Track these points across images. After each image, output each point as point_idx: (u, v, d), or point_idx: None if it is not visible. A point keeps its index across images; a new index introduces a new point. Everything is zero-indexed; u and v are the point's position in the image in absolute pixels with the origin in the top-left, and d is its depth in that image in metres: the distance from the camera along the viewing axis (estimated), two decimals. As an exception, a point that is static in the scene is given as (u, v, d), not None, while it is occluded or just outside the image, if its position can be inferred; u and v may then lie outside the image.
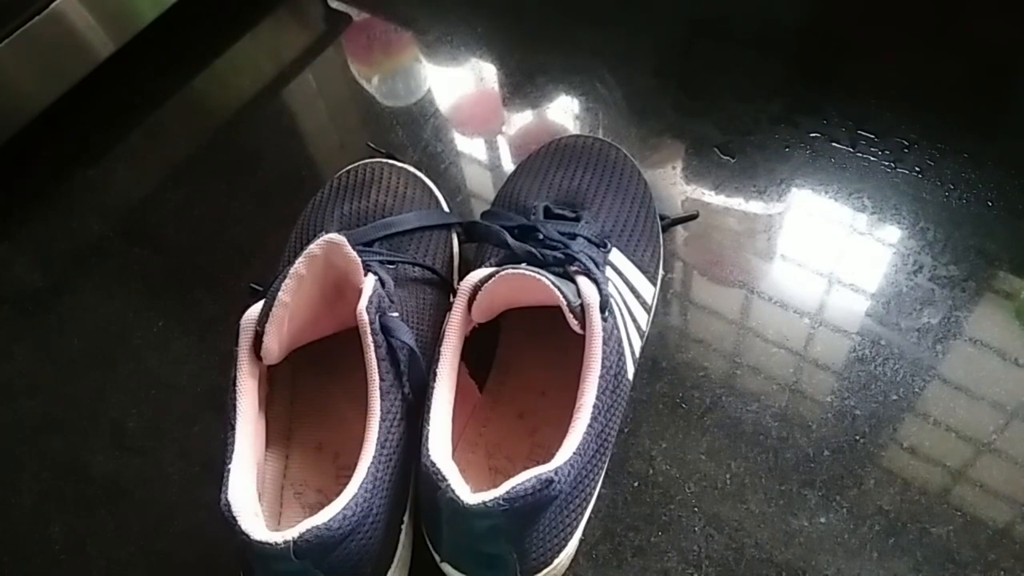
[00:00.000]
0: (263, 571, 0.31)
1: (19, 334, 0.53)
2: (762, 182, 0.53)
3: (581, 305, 0.37)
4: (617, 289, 0.42)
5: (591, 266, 0.39)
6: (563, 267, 0.39)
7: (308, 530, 0.30)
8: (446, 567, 0.36)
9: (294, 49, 0.67)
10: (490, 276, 0.37)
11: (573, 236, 0.41)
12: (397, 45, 0.66)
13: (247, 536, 0.29)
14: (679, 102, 0.59)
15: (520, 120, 0.60)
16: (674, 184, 0.54)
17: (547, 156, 0.49)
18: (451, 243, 0.48)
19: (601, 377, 0.36)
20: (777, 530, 0.41)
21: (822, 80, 0.58)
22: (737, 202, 0.52)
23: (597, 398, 0.36)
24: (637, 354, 0.44)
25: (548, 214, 0.44)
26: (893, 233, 0.50)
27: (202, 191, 0.59)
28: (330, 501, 0.31)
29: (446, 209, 0.50)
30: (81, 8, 0.56)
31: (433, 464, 0.32)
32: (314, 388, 0.42)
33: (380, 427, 0.35)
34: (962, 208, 0.50)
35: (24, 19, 0.53)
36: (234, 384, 0.34)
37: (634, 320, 0.43)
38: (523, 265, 0.39)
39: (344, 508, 0.31)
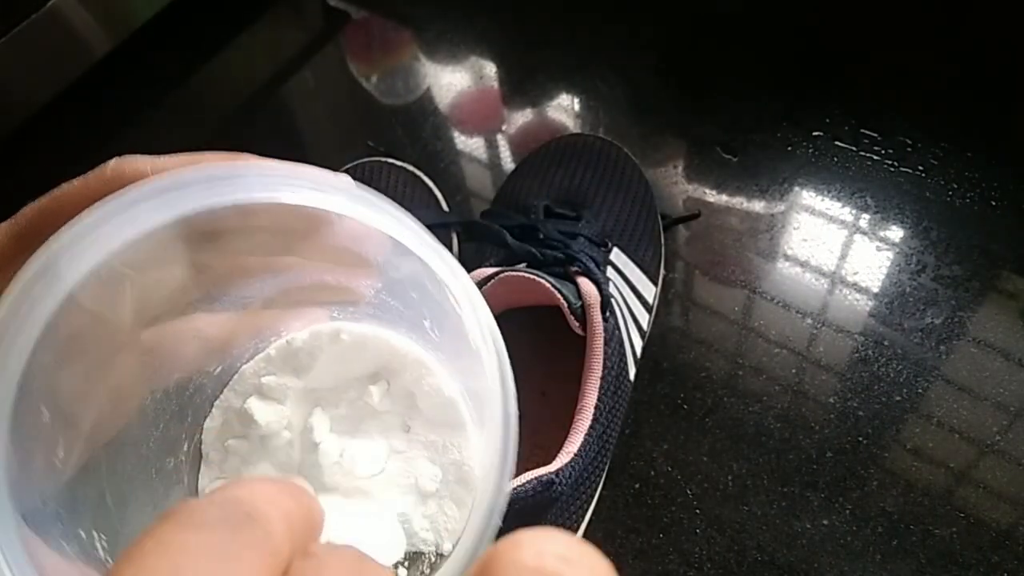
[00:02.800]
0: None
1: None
2: (764, 181, 0.52)
3: (582, 306, 0.36)
4: (618, 289, 0.42)
5: (591, 266, 0.38)
6: (563, 267, 0.38)
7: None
8: (446, 570, 0.35)
9: (292, 47, 0.66)
10: (490, 278, 0.36)
11: (574, 235, 0.41)
12: (396, 43, 0.66)
13: None
14: (681, 100, 0.58)
15: (520, 118, 0.59)
16: (675, 183, 0.53)
17: (547, 155, 0.49)
18: (450, 242, 0.48)
19: (602, 378, 0.36)
20: (779, 532, 0.40)
21: (825, 79, 0.57)
22: (739, 201, 0.52)
23: (598, 399, 0.36)
24: (638, 354, 0.43)
25: (548, 213, 0.44)
26: (896, 233, 0.50)
27: (200, 190, 0.58)
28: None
29: (445, 208, 0.50)
30: (78, 6, 0.56)
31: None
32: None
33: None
34: (965, 207, 0.50)
35: (21, 17, 0.52)
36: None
37: (635, 320, 0.43)
38: (523, 266, 0.38)
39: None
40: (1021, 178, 0.50)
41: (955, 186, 0.51)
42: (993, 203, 0.50)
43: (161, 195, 0.16)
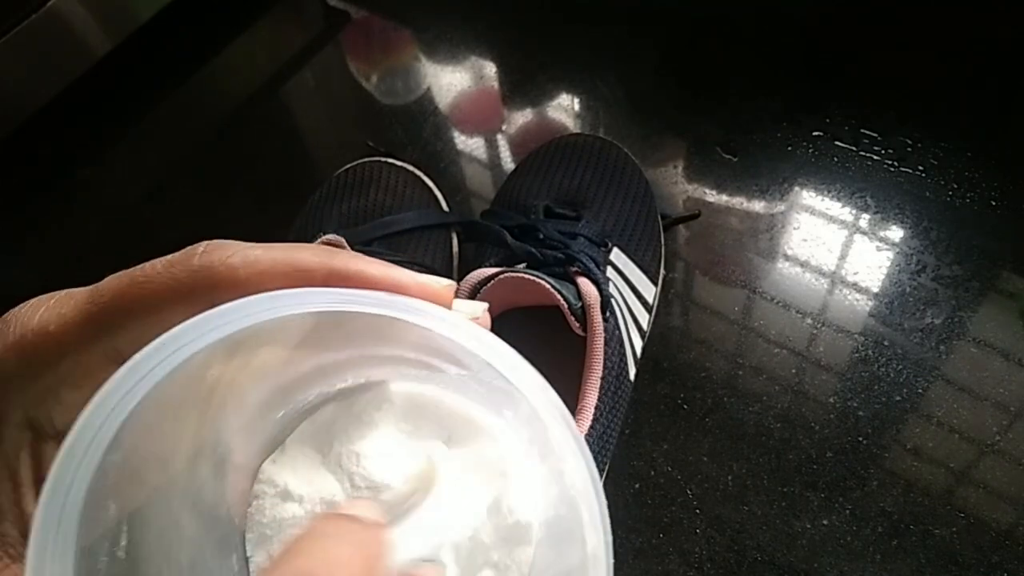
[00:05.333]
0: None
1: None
2: (764, 181, 0.52)
3: (582, 306, 0.36)
4: (618, 289, 0.42)
5: (591, 266, 0.38)
6: (563, 267, 0.38)
7: None
8: (446, 570, 0.35)
9: (292, 47, 0.66)
10: (490, 278, 0.36)
11: (574, 235, 0.41)
12: (396, 43, 0.66)
13: None
14: (681, 100, 0.58)
15: (520, 118, 0.59)
16: (675, 183, 0.53)
17: (547, 155, 0.49)
18: (451, 242, 0.48)
19: (603, 378, 0.36)
20: (779, 532, 0.40)
21: (825, 78, 0.57)
22: (739, 201, 0.52)
23: (599, 399, 0.36)
24: (639, 354, 0.43)
25: (549, 213, 0.44)
26: (896, 233, 0.50)
27: (200, 190, 0.58)
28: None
29: (445, 208, 0.50)
30: (78, 6, 0.56)
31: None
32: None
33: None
34: (965, 207, 0.50)
35: (21, 17, 0.52)
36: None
37: (635, 320, 0.43)
38: (523, 267, 0.38)
39: None
40: (1021, 178, 0.50)
41: (955, 186, 0.51)
42: (993, 203, 0.50)
43: (246, 314, 0.15)
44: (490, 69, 0.62)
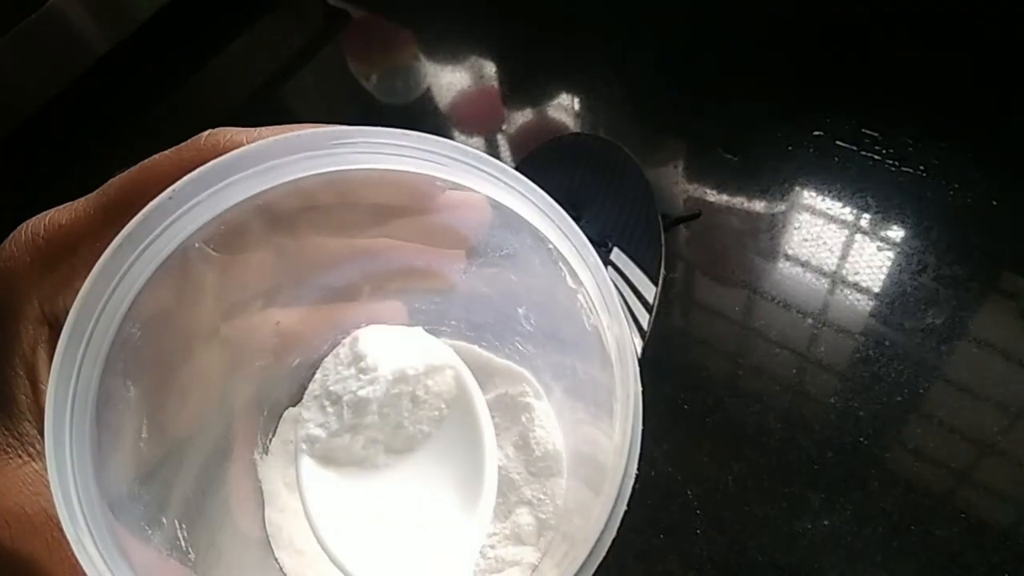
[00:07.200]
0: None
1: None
2: (765, 181, 0.52)
3: (582, 306, 0.36)
4: (618, 289, 0.42)
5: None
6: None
7: None
8: None
9: (292, 47, 0.66)
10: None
11: (574, 236, 0.41)
12: (396, 43, 0.66)
13: None
14: (681, 100, 0.58)
15: (520, 118, 0.59)
16: (676, 183, 0.53)
17: (547, 155, 0.49)
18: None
19: (603, 378, 0.36)
20: (780, 532, 0.40)
21: (825, 78, 0.57)
22: (740, 201, 0.52)
23: (598, 400, 0.36)
24: (639, 354, 0.43)
25: (549, 213, 0.43)
26: (897, 232, 0.50)
27: (200, 190, 0.58)
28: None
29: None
30: (78, 5, 0.56)
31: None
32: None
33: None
34: (966, 207, 0.50)
35: (21, 16, 0.52)
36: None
37: (635, 320, 0.43)
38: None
39: None
40: (1021, 178, 0.50)
41: (955, 186, 0.51)
42: (994, 202, 0.50)
43: (257, 163, 0.16)
44: (490, 69, 0.62)
